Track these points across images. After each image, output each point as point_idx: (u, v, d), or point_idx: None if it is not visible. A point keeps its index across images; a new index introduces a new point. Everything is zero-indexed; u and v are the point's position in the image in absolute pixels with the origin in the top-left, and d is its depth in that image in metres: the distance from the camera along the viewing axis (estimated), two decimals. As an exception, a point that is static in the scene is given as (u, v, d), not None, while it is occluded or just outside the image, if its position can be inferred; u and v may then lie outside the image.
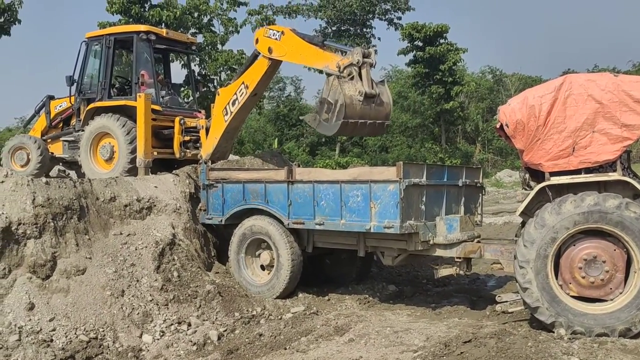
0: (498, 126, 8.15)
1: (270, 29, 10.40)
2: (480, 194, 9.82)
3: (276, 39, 10.22)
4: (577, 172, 7.22)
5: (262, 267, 9.67)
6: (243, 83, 10.94)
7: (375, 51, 9.63)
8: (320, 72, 10.05)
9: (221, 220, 9.95)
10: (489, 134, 42.80)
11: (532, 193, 7.40)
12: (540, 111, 7.22)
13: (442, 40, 34.81)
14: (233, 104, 11.11)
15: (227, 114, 11.22)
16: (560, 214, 6.97)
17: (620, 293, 6.90)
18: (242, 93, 10.95)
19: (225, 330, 7.93)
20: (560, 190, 7.27)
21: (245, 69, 11.17)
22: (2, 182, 7.98)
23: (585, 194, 6.94)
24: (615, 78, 7.09)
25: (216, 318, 8.21)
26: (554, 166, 7.27)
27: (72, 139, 12.76)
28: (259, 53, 10.63)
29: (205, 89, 23.42)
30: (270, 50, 10.33)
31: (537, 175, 7.75)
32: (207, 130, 11.78)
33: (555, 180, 7.26)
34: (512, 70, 53.37)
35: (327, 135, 9.22)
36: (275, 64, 10.79)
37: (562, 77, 7.33)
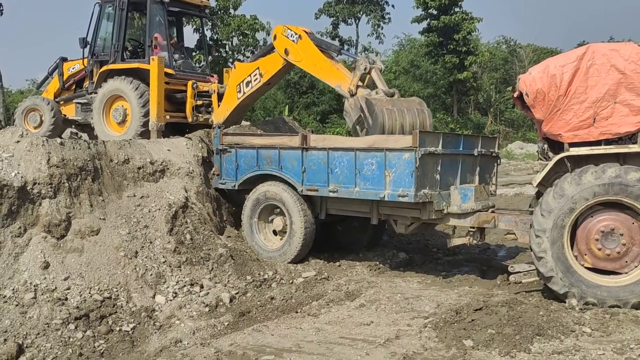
0: (516, 95, 8.04)
1: (288, 29, 10.32)
2: (496, 164, 9.73)
3: (293, 41, 10.19)
4: (596, 143, 7.13)
5: (275, 233, 9.70)
6: (258, 69, 10.91)
7: (377, 53, 9.80)
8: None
9: (234, 186, 9.95)
10: (501, 105, 42.35)
11: (551, 163, 7.31)
12: (562, 81, 7.09)
13: (456, 9, 34.28)
14: (247, 85, 11.11)
15: (239, 91, 11.22)
16: (580, 184, 6.91)
17: (636, 267, 6.87)
18: (256, 79, 10.96)
19: (237, 293, 7.98)
20: (579, 161, 7.19)
21: (262, 54, 11.22)
22: (18, 142, 7.98)
23: (606, 166, 6.85)
24: (640, 48, 6.96)
25: (228, 281, 8.26)
26: (573, 137, 7.17)
27: (85, 101, 12.74)
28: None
29: (217, 53, 23.25)
30: (287, 52, 10.31)
31: (554, 146, 7.67)
32: (220, 95, 11.74)
33: (575, 151, 7.17)
34: (527, 41, 52.61)
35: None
36: (290, 65, 10.78)
37: (584, 47, 7.18)
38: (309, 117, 35.91)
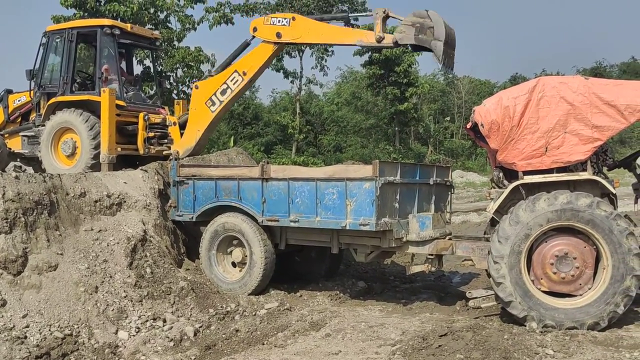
0: (469, 126, 8.39)
1: (273, 17, 10.35)
2: (450, 193, 10.03)
3: (284, 24, 10.17)
4: (549, 171, 7.48)
5: (234, 264, 9.64)
6: (236, 71, 10.81)
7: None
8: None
9: (192, 217, 9.86)
10: (440, 135, 43.60)
11: (506, 191, 7.62)
12: (515, 112, 7.44)
13: (397, 43, 35.13)
14: (223, 93, 10.95)
15: (214, 104, 11.04)
16: (534, 211, 7.21)
17: (590, 289, 7.19)
18: (237, 81, 10.81)
19: (201, 326, 7.89)
20: (533, 189, 7.52)
21: (233, 58, 11.10)
22: (-30, 176, 7.74)
23: (558, 193, 7.19)
24: (586, 81, 7.38)
25: (191, 314, 8.16)
26: (527, 165, 7.51)
27: (32, 134, 12.44)
28: (252, 40, 10.60)
29: (166, 85, 23.15)
30: (279, 35, 10.25)
31: (509, 174, 7.98)
32: (181, 125, 11.66)
33: (529, 179, 7.51)
34: (463, 73, 54.54)
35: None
36: (280, 48, 10.69)
37: (535, 79, 7.58)
38: (253, 148, 35.95)
